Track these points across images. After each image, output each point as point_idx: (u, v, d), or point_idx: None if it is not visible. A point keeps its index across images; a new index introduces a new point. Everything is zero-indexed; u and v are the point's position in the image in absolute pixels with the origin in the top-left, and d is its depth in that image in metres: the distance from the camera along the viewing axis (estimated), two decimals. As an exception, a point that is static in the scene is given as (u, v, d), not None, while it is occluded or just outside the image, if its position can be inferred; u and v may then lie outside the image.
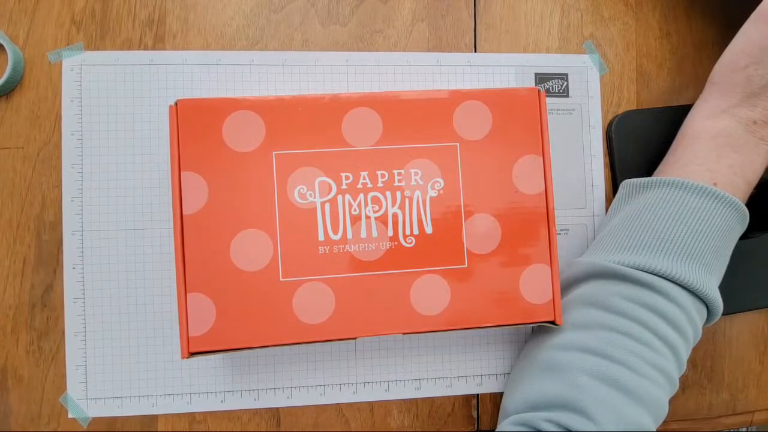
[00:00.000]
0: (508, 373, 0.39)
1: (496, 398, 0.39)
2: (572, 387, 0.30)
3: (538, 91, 0.33)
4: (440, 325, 0.31)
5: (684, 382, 0.40)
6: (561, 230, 0.39)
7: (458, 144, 0.32)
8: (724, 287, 0.33)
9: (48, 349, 0.36)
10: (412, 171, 0.32)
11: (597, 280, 0.33)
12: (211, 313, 0.30)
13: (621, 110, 0.40)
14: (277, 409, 0.37)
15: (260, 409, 0.37)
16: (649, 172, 0.37)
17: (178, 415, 0.36)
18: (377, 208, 0.31)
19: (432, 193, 0.32)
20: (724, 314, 0.34)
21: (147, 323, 0.36)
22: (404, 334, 0.31)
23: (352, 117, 0.31)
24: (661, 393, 0.31)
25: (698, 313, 0.32)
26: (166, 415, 0.36)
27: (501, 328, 0.32)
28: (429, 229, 0.32)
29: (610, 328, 0.31)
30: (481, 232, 0.32)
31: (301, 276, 0.30)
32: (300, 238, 0.31)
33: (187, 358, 0.29)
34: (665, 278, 0.31)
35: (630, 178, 0.36)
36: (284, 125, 0.31)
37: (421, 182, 0.32)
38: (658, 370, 0.31)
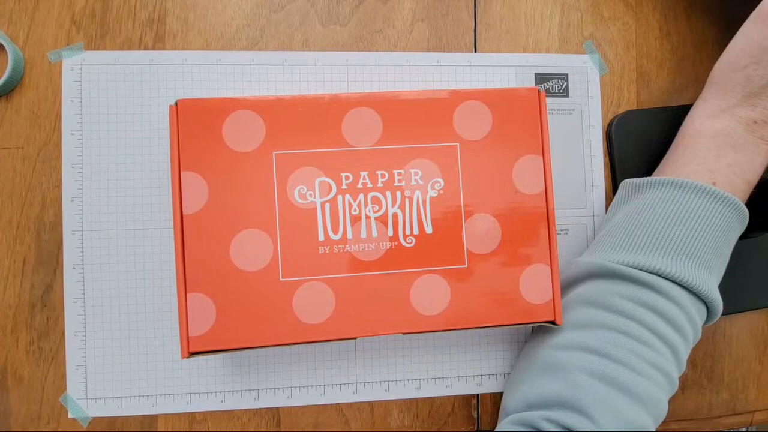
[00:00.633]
0: (508, 373, 0.39)
1: (496, 398, 0.39)
2: (572, 386, 0.30)
3: (538, 91, 0.33)
4: (440, 325, 0.31)
5: (684, 382, 0.40)
6: (561, 230, 0.39)
7: (458, 144, 0.32)
8: (724, 287, 0.33)
9: (48, 349, 0.36)
10: (412, 171, 0.32)
11: (597, 279, 0.33)
12: (211, 313, 0.30)
13: (621, 110, 0.40)
14: (277, 409, 0.37)
15: (260, 409, 0.37)
16: (648, 172, 0.37)
17: (178, 415, 0.36)
18: (377, 208, 0.31)
19: (432, 193, 0.32)
20: (724, 314, 0.34)
21: (147, 323, 0.36)
22: (404, 334, 0.31)
23: (352, 117, 0.31)
24: (660, 392, 0.31)
25: (698, 313, 0.32)
26: (166, 415, 0.36)
27: (501, 328, 0.33)
28: (429, 229, 0.32)
29: (610, 328, 0.31)
30: (481, 232, 0.32)
31: (301, 276, 0.30)
32: (300, 238, 0.31)
33: (187, 358, 0.29)
34: (665, 278, 0.31)
35: (630, 178, 0.36)
36: (284, 125, 0.31)
37: (421, 182, 0.32)
38: (657, 369, 0.31)
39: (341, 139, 0.31)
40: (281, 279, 0.30)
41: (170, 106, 0.30)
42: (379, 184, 0.31)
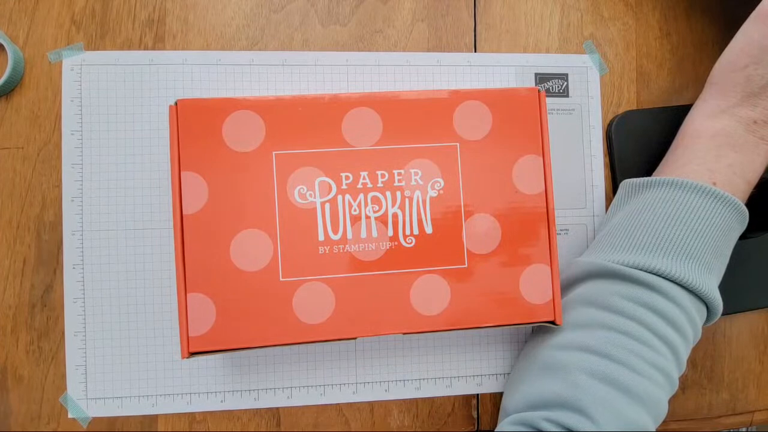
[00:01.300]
0: (508, 373, 0.39)
1: (496, 398, 0.39)
2: (572, 386, 0.30)
3: (538, 91, 0.33)
4: (440, 325, 0.31)
5: (684, 382, 0.40)
6: (561, 230, 0.39)
7: (458, 144, 0.32)
8: (724, 287, 0.33)
9: (48, 349, 0.36)
10: (412, 171, 0.32)
11: (596, 279, 0.33)
12: (211, 313, 0.30)
13: (621, 110, 0.40)
14: (277, 409, 0.37)
15: (260, 409, 0.37)
16: (648, 172, 0.37)
17: (178, 415, 0.36)
18: (377, 208, 0.31)
19: (432, 193, 0.32)
20: (724, 314, 0.34)
21: (147, 323, 0.36)
22: (404, 334, 0.31)
23: (352, 117, 0.31)
24: (660, 392, 0.31)
25: (698, 313, 0.32)
26: (166, 415, 0.36)
27: (501, 328, 0.33)
28: (429, 229, 0.32)
29: (610, 328, 0.31)
30: (481, 232, 0.32)
31: (301, 276, 0.30)
32: (300, 238, 0.31)
33: (187, 358, 0.29)
34: (665, 278, 0.31)
35: (630, 178, 0.36)
36: (284, 125, 0.31)
37: (421, 182, 0.32)
38: (657, 369, 0.31)
39: (341, 139, 0.31)
40: (281, 279, 0.30)
41: (170, 106, 0.30)
42: (379, 184, 0.31)
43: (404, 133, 0.32)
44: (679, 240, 0.32)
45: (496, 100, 0.32)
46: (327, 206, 0.31)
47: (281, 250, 0.30)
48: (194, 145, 0.30)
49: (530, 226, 0.32)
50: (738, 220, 0.33)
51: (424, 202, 0.32)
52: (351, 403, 0.38)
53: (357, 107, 0.31)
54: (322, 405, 0.37)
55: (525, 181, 0.32)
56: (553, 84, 0.40)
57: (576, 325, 0.32)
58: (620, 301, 0.32)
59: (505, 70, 0.40)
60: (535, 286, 0.32)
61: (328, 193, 0.31)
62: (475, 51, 0.40)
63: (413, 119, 0.32)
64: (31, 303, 0.36)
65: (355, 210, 0.31)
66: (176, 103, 0.30)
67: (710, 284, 0.32)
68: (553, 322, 0.32)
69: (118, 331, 0.36)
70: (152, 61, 0.37)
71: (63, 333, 0.36)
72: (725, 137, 0.33)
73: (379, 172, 0.31)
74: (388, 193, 0.31)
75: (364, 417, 0.38)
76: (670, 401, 0.32)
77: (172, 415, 0.36)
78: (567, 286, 0.35)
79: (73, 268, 0.36)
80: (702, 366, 0.41)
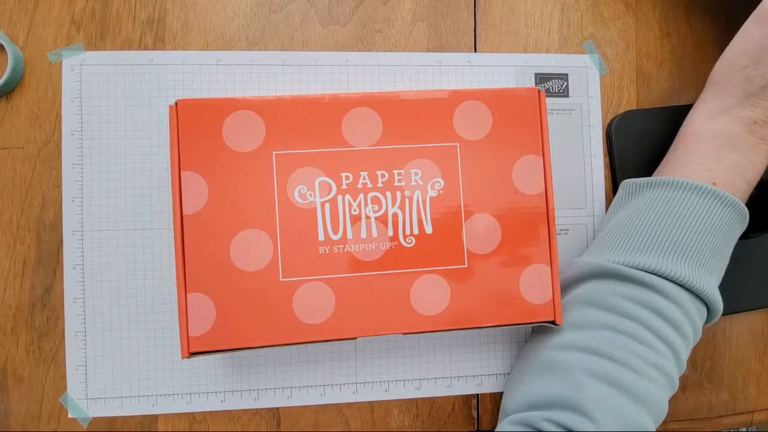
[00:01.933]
0: (508, 373, 0.39)
1: (496, 398, 0.39)
2: (572, 386, 0.30)
3: (538, 91, 0.33)
4: (440, 325, 0.31)
5: (684, 382, 0.40)
6: (561, 230, 0.39)
7: (458, 144, 0.32)
8: (724, 287, 0.33)
9: (48, 349, 0.36)
10: (412, 171, 0.32)
11: (597, 279, 0.33)
12: (211, 313, 0.30)
13: (621, 110, 0.40)
14: (277, 409, 0.37)
15: (260, 409, 0.37)
16: (649, 172, 0.37)
17: (178, 415, 0.36)
18: (377, 208, 0.31)
19: (432, 193, 0.32)
20: (724, 314, 0.34)
21: (147, 323, 0.36)
22: (404, 334, 0.31)
23: (352, 117, 0.31)
24: (660, 392, 0.31)
25: (698, 313, 0.32)
26: (166, 415, 0.36)
27: (501, 328, 0.33)
28: (429, 229, 0.32)
29: (610, 328, 0.31)
30: (481, 232, 0.32)
31: (301, 276, 0.30)
32: (300, 238, 0.31)
33: (187, 358, 0.29)
34: (665, 278, 0.31)
35: (630, 178, 0.36)
36: (284, 125, 0.31)
37: (421, 182, 0.32)
38: (657, 369, 0.31)
39: (341, 139, 0.31)
40: (281, 279, 0.30)
41: (170, 106, 0.30)
42: (379, 184, 0.31)
43: (404, 133, 0.32)
44: (679, 240, 0.32)
45: (496, 100, 0.32)
46: (327, 206, 0.31)
47: (281, 250, 0.30)
48: (194, 145, 0.30)
49: (530, 226, 0.32)
50: (738, 221, 0.33)
51: (424, 202, 0.32)
52: (351, 403, 0.38)
53: (357, 107, 0.31)
54: (322, 405, 0.37)
55: (525, 181, 0.32)
56: (553, 84, 0.40)
57: (576, 325, 0.32)
58: (620, 301, 0.32)
59: (505, 70, 0.40)
60: (535, 286, 0.32)
61: (328, 193, 0.31)
62: (475, 51, 0.40)
63: (413, 119, 0.32)
64: (32, 303, 0.36)
65: (355, 210, 0.31)
66: (176, 103, 0.30)
67: (710, 284, 0.32)
68: (553, 322, 0.32)
69: (118, 331, 0.36)
70: (152, 61, 0.37)
71: (63, 333, 0.36)
72: (725, 137, 0.33)
73: (379, 172, 0.31)
74: (388, 193, 0.31)
75: (364, 417, 0.38)
76: (670, 401, 0.32)
77: (172, 415, 0.36)
78: (567, 286, 0.35)
79: (73, 268, 0.36)
80: (702, 366, 0.41)
